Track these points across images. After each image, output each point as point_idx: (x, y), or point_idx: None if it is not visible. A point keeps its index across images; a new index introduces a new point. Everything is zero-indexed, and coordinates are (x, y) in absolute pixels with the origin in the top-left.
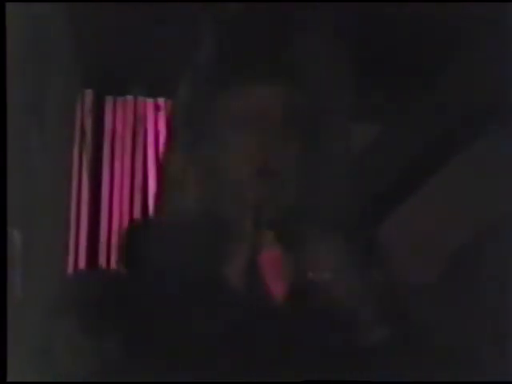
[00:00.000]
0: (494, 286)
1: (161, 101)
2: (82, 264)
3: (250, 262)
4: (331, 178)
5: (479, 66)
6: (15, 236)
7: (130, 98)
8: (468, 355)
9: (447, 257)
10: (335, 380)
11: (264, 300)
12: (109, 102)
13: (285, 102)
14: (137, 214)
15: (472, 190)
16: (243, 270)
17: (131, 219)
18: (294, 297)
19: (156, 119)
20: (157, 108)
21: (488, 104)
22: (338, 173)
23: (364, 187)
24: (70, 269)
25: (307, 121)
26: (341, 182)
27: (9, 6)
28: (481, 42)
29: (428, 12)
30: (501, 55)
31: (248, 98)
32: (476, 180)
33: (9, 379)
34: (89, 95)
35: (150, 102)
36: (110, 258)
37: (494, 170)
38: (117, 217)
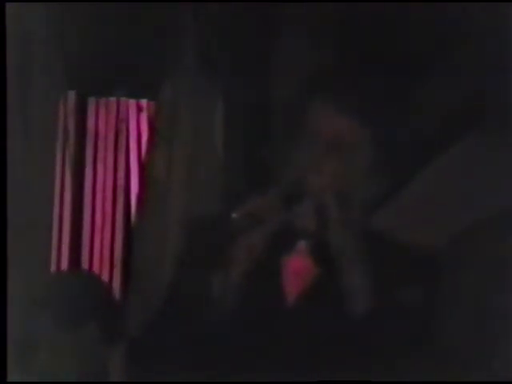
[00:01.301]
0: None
1: (143, 101)
2: (64, 264)
3: (271, 265)
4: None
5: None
6: None
7: (112, 98)
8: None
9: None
10: (335, 380)
11: (278, 300)
12: (91, 102)
13: (342, 124)
14: (119, 213)
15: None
16: (254, 272)
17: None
18: (307, 298)
19: (138, 120)
20: (139, 109)
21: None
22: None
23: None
24: (53, 268)
25: (351, 138)
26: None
27: None
28: (480, 38)
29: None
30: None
31: (310, 117)
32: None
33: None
34: (71, 96)
35: (132, 102)
36: (92, 257)
37: (492, 167)
38: (99, 217)
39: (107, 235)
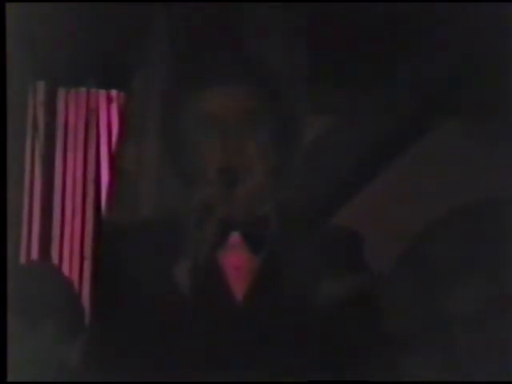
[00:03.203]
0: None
1: (113, 92)
2: (34, 256)
3: (210, 262)
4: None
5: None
6: None
7: (82, 89)
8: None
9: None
10: (335, 380)
11: (224, 299)
12: (61, 93)
13: (245, 103)
14: (89, 205)
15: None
16: (201, 269)
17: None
18: (254, 296)
19: (108, 111)
20: (109, 100)
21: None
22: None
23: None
24: (23, 260)
25: (269, 120)
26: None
27: None
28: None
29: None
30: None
31: (209, 99)
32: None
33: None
34: (41, 87)
35: (102, 93)
36: (62, 249)
37: (452, 162)
38: (69, 209)
39: (77, 227)
